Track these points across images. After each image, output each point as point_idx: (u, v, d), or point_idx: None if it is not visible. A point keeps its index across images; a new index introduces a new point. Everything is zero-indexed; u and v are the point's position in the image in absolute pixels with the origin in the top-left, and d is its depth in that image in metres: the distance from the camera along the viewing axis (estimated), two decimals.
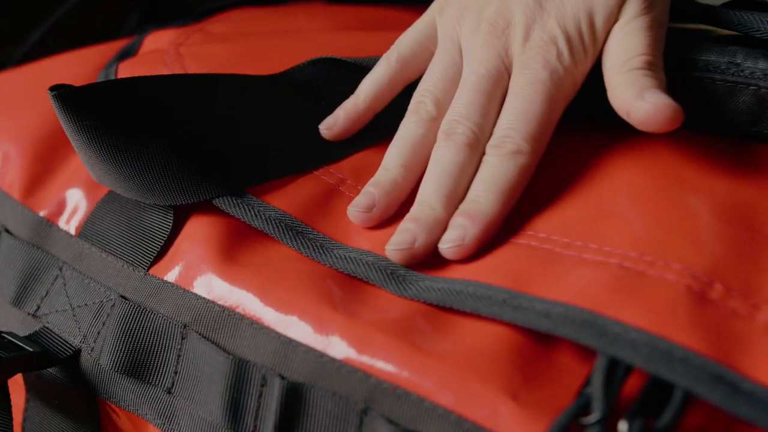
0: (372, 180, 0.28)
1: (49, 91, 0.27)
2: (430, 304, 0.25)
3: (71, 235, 0.30)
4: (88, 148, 0.27)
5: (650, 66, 0.27)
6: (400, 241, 0.26)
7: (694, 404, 0.21)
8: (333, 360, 0.23)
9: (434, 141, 0.28)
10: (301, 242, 0.27)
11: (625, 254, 0.24)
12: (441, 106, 0.29)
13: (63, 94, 0.27)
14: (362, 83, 0.31)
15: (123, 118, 0.28)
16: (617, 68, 0.27)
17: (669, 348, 0.21)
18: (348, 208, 0.28)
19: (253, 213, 0.27)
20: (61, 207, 0.31)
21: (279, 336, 0.25)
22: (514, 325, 0.23)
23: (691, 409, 0.21)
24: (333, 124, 0.31)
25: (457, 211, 0.26)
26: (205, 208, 0.28)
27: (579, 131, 0.30)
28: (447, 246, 0.26)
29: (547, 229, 0.26)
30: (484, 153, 0.27)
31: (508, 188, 0.26)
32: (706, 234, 0.24)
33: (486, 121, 0.27)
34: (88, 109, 0.27)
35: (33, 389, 0.30)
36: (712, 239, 0.24)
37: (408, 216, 0.27)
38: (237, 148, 0.29)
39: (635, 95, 0.25)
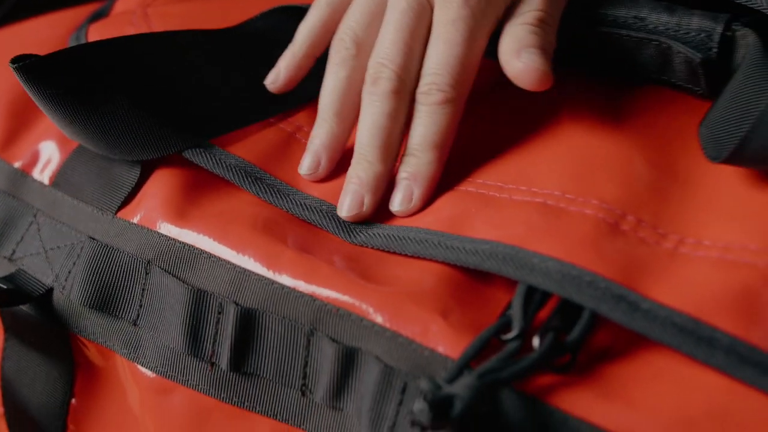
0: (312, 134, 0.30)
1: (10, 64, 0.28)
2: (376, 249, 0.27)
3: (45, 185, 0.32)
4: (54, 113, 0.29)
5: (541, 23, 0.28)
6: (349, 206, 0.28)
7: (601, 323, 0.23)
8: (282, 287, 0.26)
9: (361, 80, 0.29)
10: (260, 187, 0.29)
11: (549, 193, 0.26)
12: (362, 44, 0.30)
13: (24, 66, 0.28)
14: (298, 31, 0.32)
15: (85, 84, 0.29)
16: (512, 20, 0.28)
17: (579, 274, 0.23)
18: (298, 170, 0.30)
19: (214, 161, 0.29)
20: (35, 159, 0.33)
21: (234, 267, 0.27)
22: (451, 267, 0.26)
23: (599, 327, 0.23)
24: (276, 78, 0.32)
25: (401, 169, 0.28)
26: (173, 157, 0.30)
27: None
28: (398, 209, 0.28)
29: (484, 175, 0.28)
30: (413, 96, 0.29)
31: (442, 141, 0.28)
32: (623, 172, 0.27)
33: (411, 62, 0.29)
34: (50, 79, 0.29)
35: (10, 329, 0.32)
36: (628, 177, 0.26)
37: (350, 173, 0.29)
38: (198, 101, 0.31)
39: (513, 52, 0.27)
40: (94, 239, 0.30)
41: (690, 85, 0.29)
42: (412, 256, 0.26)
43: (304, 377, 0.25)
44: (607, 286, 0.23)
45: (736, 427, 0.20)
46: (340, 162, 0.30)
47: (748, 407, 0.20)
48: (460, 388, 0.20)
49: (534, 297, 0.23)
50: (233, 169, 0.29)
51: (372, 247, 0.27)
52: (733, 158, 0.25)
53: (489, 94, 0.31)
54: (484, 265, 0.24)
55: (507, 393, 0.21)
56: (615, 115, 0.29)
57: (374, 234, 0.27)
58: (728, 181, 0.26)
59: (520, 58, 0.27)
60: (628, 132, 0.28)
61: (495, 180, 0.28)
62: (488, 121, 0.30)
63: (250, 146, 0.30)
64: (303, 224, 0.29)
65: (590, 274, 0.23)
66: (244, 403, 0.27)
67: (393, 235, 0.27)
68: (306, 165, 0.30)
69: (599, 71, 0.28)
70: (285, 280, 0.26)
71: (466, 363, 0.22)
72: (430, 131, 0.28)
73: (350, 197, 0.28)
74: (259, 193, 0.29)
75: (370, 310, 0.24)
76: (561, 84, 0.30)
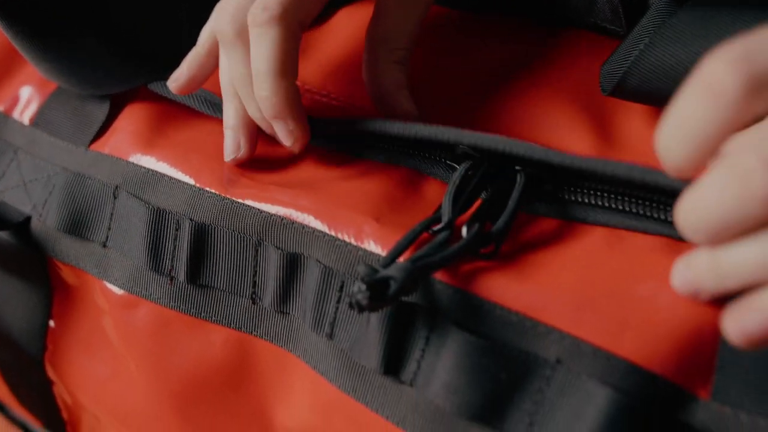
0: (224, 117, 0.29)
1: None
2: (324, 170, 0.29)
3: (24, 125, 0.35)
4: (27, 50, 0.31)
5: None
6: (229, 150, 0.28)
7: (523, 217, 0.25)
8: (233, 202, 0.28)
9: None
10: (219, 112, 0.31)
11: None
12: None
13: None
14: (202, 31, 0.31)
15: (54, 20, 0.31)
16: None
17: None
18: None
19: None
20: (15, 102, 0.36)
21: (191, 187, 0.29)
22: (387, 174, 0.27)
23: (522, 221, 0.25)
24: (178, 78, 0.30)
25: (263, 112, 0.27)
26: (140, 95, 0.33)
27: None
28: (289, 144, 0.28)
29: None
30: None
31: (279, 66, 0.26)
32: None
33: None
34: (16, 17, 0.30)
35: None
36: None
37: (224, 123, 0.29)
38: (162, 36, 0.33)
39: None
40: (68, 170, 0.32)
41: (614, 27, 0.31)
42: (352, 169, 0.28)
43: (254, 285, 0.27)
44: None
45: (631, 303, 0.21)
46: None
47: (643, 288, 0.22)
48: (395, 270, 0.22)
49: (462, 193, 0.25)
50: (197, 98, 0.31)
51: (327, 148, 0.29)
52: (617, 93, 0.26)
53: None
54: (423, 132, 0.25)
55: (432, 282, 0.23)
56: (541, 61, 0.31)
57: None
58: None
59: None
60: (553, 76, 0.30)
61: None
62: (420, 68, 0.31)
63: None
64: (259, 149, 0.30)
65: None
66: (200, 314, 0.29)
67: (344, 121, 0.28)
68: (228, 148, 0.29)
69: (531, 16, 0.29)
70: (234, 196, 0.28)
71: (400, 251, 0.23)
72: (263, 62, 0.26)
73: (229, 142, 0.28)
74: (217, 113, 0.30)
75: (311, 218, 0.26)
76: (492, 32, 0.32)
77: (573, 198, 0.24)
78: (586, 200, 0.24)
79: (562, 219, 0.24)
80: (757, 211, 0.17)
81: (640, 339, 0.20)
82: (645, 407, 0.20)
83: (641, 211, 0.23)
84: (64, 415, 0.36)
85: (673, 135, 0.19)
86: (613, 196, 0.23)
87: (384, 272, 0.22)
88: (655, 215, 0.23)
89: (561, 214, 0.24)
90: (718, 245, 0.19)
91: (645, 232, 0.23)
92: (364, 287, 0.21)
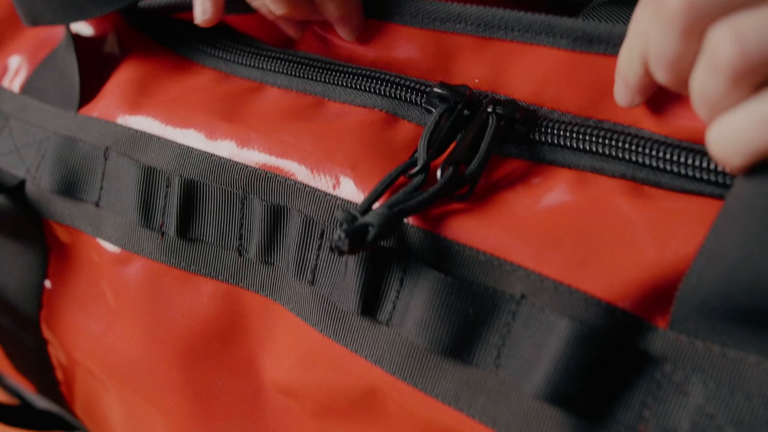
0: None
1: None
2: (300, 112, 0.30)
3: (15, 93, 0.36)
4: None
5: None
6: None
7: (494, 159, 0.26)
8: (220, 158, 0.29)
9: None
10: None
11: None
12: None
13: None
14: None
15: None
16: None
17: None
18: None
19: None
20: (5, 71, 0.37)
21: (180, 145, 0.30)
22: (363, 118, 0.28)
23: (496, 164, 0.26)
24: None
25: None
26: (127, 62, 0.34)
27: None
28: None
29: None
30: None
31: None
32: None
33: None
34: None
35: None
36: None
37: None
38: None
39: None
40: (59, 134, 0.33)
41: None
42: (328, 114, 0.29)
43: (240, 238, 0.29)
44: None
45: (594, 242, 0.23)
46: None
47: (606, 228, 0.23)
48: (372, 217, 0.23)
49: (438, 137, 0.26)
50: (184, 46, 0.32)
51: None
52: None
53: None
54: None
55: (406, 226, 0.25)
56: None
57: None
58: None
59: None
60: None
61: None
62: None
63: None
64: (238, 93, 0.31)
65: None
66: (189, 267, 0.30)
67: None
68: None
69: None
70: (222, 151, 0.29)
71: (376, 197, 0.24)
72: None
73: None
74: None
75: (292, 171, 0.28)
76: None
77: (543, 139, 0.25)
78: (556, 141, 0.25)
79: (532, 161, 0.26)
80: None
81: (601, 274, 0.22)
82: (604, 337, 0.21)
83: (608, 152, 0.24)
84: (59, 375, 0.38)
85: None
86: (581, 136, 0.25)
87: (362, 219, 0.23)
88: (620, 155, 0.24)
89: (531, 156, 0.26)
90: None
91: (612, 175, 0.24)
92: (343, 235, 0.22)
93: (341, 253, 0.22)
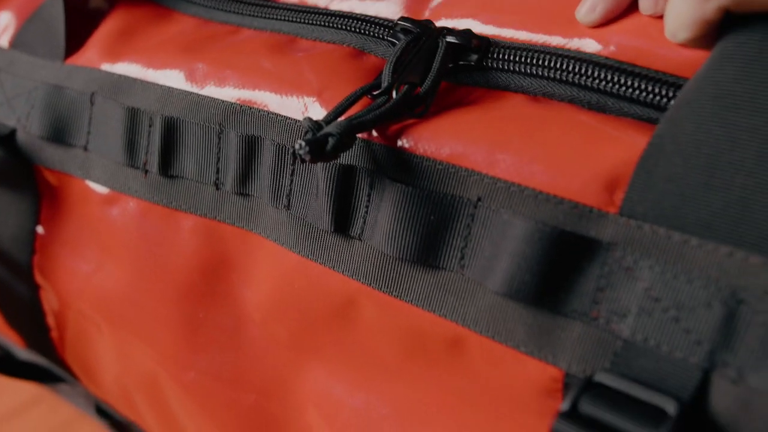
0: None
1: None
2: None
3: (4, 48, 0.37)
4: None
5: None
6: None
7: (450, 87, 0.27)
8: (198, 95, 0.31)
9: None
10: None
11: None
12: None
13: None
14: None
15: None
16: None
17: None
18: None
19: None
20: None
21: (161, 86, 0.32)
22: (332, 51, 0.30)
23: (449, 88, 0.27)
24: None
25: None
26: (114, 13, 0.35)
27: None
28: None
29: None
30: None
31: None
32: None
33: None
34: None
35: None
36: None
37: None
38: None
39: None
40: (47, 83, 0.35)
41: None
42: (299, 49, 0.31)
43: (217, 172, 0.30)
44: None
45: (543, 142, 0.24)
46: None
47: (555, 129, 0.24)
48: (332, 127, 0.24)
49: (401, 63, 0.27)
50: None
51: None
52: None
53: None
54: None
55: (371, 144, 0.26)
56: None
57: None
58: None
59: None
60: None
61: None
62: None
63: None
64: (214, 38, 0.33)
65: None
66: (171, 203, 0.31)
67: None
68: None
69: None
70: (199, 89, 0.31)
71: (341, 111, 0.26)
72: None
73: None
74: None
75: (266, 100, 0.29)
76: None
77: (496, 65, 0.27)
78: (508, 67, 0.26)
79: (487, 87, 0.27)
80: None
81: (550, 170, 0.23)
82: (556, 230, 0.22)
83: (557, 76, 0.25)
84: (50, 321, 0.39)
85: None
86: (532, 61, 0.26)
87: (325, 129, 0.24)
88: (568, 79, 0.25)
89: (486, 83, 0.27)
90: None
91: (561, 99, 0.25)
92: (304, 143, 0.23)
93: (303, 161, 0.23)
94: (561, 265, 0.22)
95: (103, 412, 0.40)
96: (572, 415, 0.20)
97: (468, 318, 0.24)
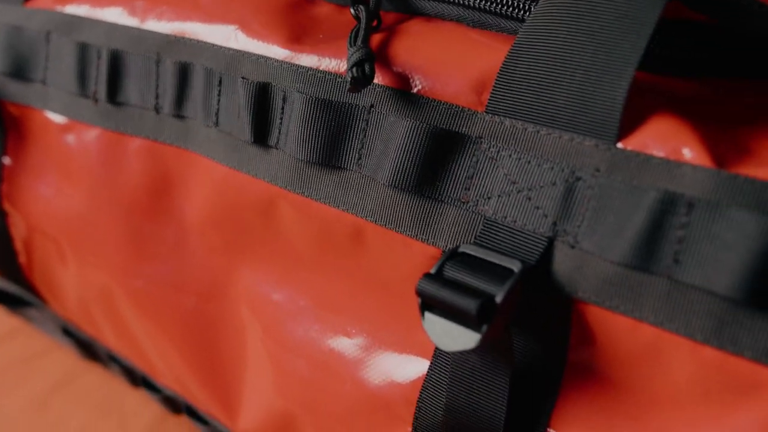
0: None
1: None
2: None
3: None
4: None
5: None
6: None
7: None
8: (140, 30, 0.34)
9: None
10: None
11: None
12: None
13: None
14: None
15: None
16: None
17: None
18: None
19: None
20: None
21: (107, 23, 0.35)
22: None
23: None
24: None
25: None
26: None
27: None
28: None
29: None
30: None
31: None
32: None
33: None
34: None
35: None
36: None
37: None
38: None
39: None
40: (8, 25, 0.38)
41: None
42: None
43: (156, 97, 0.34)
44: None
45: (428, 49, 0.27)
46: None
47: (435, 38, 0.28)
48: (366, 54, 0.27)
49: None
50: None
51: None
52: None
53: None
54: None
55: (280, 63, 0.30)
56: None
57: None
58: None
59: None
60: None
61: None
62: None
63: None
64: None
65: None
66: (119, 128, 0.35)
67: None
68: None
69: None
70: (141, 24, 0.34)
71: (366, 37, 0.28)
72: None
73: None
74: None
75: (197, 31, 0.33)
76: None
77: None
78: None
79: (401, 12, 0.30)
80: None
81: (430, 78, 0.26)
82: (434, 128, 0.26)
83: (484, 6, 0.28)
84: (17, 245, 0.43)
85: None
86: None
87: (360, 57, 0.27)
88: (457, 0, 0.29)
89: (401, 8, 0.30)
90: None
91: (450, 19, 0.29)
92: (362, 74, 0.26)
93: (357, 89, 0.26)
94: (437, 157, 0.26)
95: (68, 332, 0.44)
96: (435, 277, 0.24)
97: (365, 210, 0.28)
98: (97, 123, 0.36)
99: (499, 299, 0.23)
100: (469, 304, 0.22)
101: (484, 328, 0.23)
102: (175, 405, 0.40)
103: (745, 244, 0.20)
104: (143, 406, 0.43)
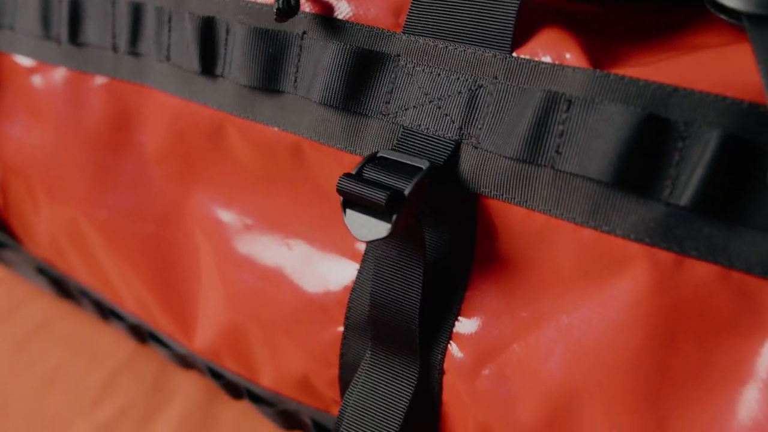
0: None
1: None
2: None
3: None
4: None
5: None
6: None
7: None
8: None
9: None
10: None
11: None
12: None
13: None
14: None
15: None
16: None
17: None
18: None
19: None
20: None
21: None
22: None
23: None
24: None
25: None
26: None
27: None
28: None
29: None
30: None
31: None
32: None
33: None
34: None
35: None
36: None
37: None
38: None
39: None
40: None
41: None
42: None
43: (113, 36, 0.36)
44: None
45: None
46: None
47: None
48: None
49: None
50: None
51: None
52: None
53: None
54: None
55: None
56: None
57: None
58: None
59: None
60: None
61: None
62: None
63: None
64: None
65: None
66: (81, 67, 0.38)
67: None
68: None
69: None
70: None
71: None
72: None
73: None
74: None
75: None
76: None
77: None
78: None
79: None
80: None
81: (355, 4, 0.29)
82: (355, 47, 0.28)
83: None
84: None
85: None
86: None
87: None
88: None
89: None
90: None
91: None
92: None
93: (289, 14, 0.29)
94: (361, 75, 0.29)
95: (43, 271, 0.47)
96: (355, 177, 0.27)
97: (302, 128, 0.31)
98: (61, 63, 0.38)
99: (407, 192, 0.25)
100: (380, 196, 0.25)
101: (394, 217, 0.25)
102: (140, 333, 0.43)
103: (613, 132, 0.23)
104: (115, 344, 0.46)
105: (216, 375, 0.39)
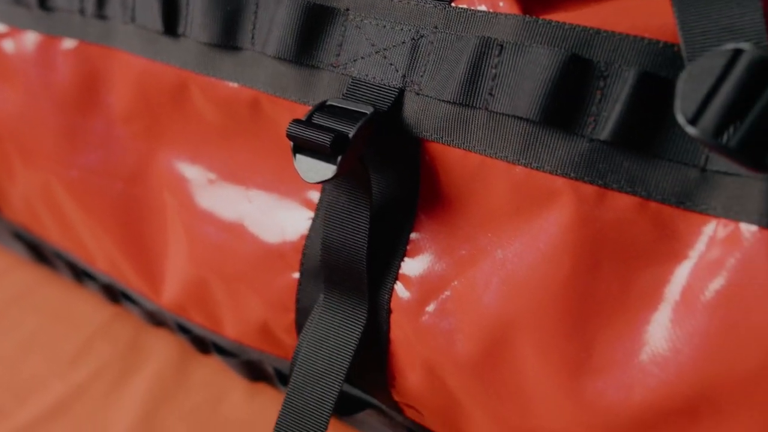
0: None
1: None
2: None
3: None
4: None
5: None
6: None
7: None
8: None
9: None
10: None
11: None
12: None
13: None
14: None
15: None
16: None
17: None
18: None
19: None
20: None
21: None
22: None
23: None
24: None
25: None
26: None
27: None
28: None
29: None
30: None
31: None
32: None
33: None
34: None
35: None
36: None
37: None
38: None
39: None
40: None
41: None
42: None
43: (81, 1, 0.38)
44: None
45: None
46: None
47: None
48: None
49: None
50: None
51: None
52: None
53: None
54: None
55: None
56: None
57: None
58: None
59: None
60: None
61: None
62: None
63: None
64: None
65: None
66: (50, 31, 0.39)
67: None
68: None
69: None
70: None
71: None
72: None
73: None
74: None
75: None
76: None
77: None
78: None
79: None
80: None
81: None
82: (306, 2, 0.29)
83: None
84: None
85: None
86: None
87: None
88: None
89: None
90: None
91: None
92: None
93: None
94: (312, 29, 0.30)
95: (19, 236, 0.48)
96: (304, 123, 0.28)
97: (259, 82, 0.32)
98: (31, 27, 0.40)
99: (351, 134, 0.27)
100: (325, 139, 0.27)
101: (339, 159, 0.27)
102: (112, 293, 0.44)
103: (540, 73, 0.24)
104: (93, 310, 0.47)
105: (184, 330, 0.40)
